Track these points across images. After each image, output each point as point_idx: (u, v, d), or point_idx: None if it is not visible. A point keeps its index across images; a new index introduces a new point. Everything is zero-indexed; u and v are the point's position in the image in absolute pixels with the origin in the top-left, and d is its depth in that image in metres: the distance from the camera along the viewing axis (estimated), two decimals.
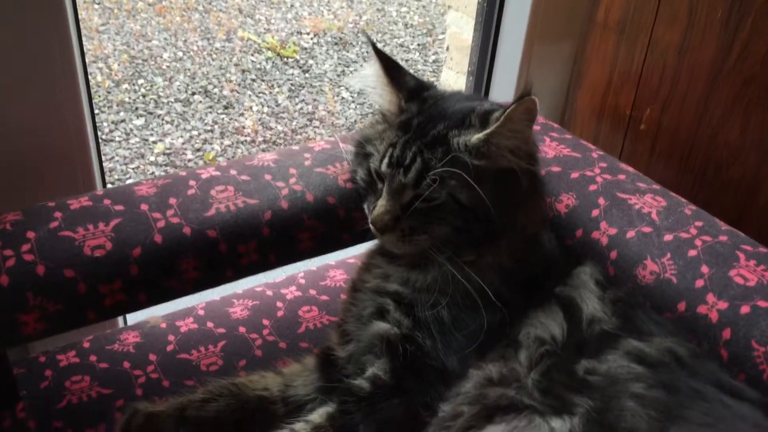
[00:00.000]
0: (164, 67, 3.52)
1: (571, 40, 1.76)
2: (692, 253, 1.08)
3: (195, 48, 3.67)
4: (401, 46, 3.97)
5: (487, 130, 1.00)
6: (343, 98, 3.52)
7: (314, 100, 3.47)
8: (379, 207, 1.04)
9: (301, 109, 3.41)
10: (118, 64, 3.47)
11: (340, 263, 1.47)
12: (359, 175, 1.13)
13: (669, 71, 1.53)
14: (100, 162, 1.41)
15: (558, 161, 1.30)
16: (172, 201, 1.11)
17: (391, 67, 1.13)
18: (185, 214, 1.09)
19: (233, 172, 1.18)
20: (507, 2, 1.75)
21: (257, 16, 4.05)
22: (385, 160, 1.05)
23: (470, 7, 2.34)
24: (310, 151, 1.26)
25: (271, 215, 1.13)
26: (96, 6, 3.83)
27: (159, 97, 3.33)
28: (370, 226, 1.06)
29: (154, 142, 3.08)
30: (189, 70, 3.52)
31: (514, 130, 1.00)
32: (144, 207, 1.09)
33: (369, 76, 1.14)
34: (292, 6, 4.15)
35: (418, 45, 3.99)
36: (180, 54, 3.62)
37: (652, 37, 1.55)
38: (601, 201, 1.20)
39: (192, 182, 1.15)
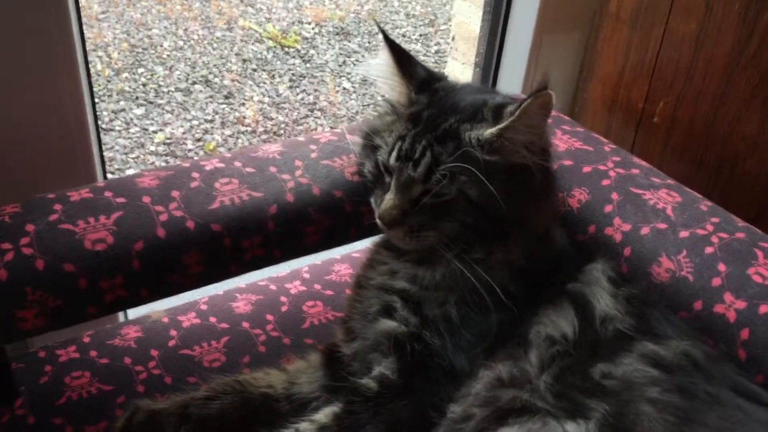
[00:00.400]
0: (164, 56, 3.49)
1: (581, 31, 1.73)
2: (709, 250, 1.06)
3: (195, 37, 3.64)
4: (403, 36, 3.93)
5: (501, 125, 0.96)
6: (344, 89, 3.49)
7: (315, 90, 3.44)
8: (386, 201, 1.01)
9: (302, 99, 3.38)
10: (118, 53, 3.44)
11: (345, 257, 1.44)
12: (367, 168, 1.10)
13: (684, 64, 1.50)
14: (101, 152, 1.38)
15: (570, 155, 1.27)
16: (175, 194, 1.08)
17: (401, 57, 1.09)
18: (189, 208, 1.06)
19: (238, 163, 1.15)
20: None
21: (258, 5, 4.02)
22: (394, 153, 1.02)
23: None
24: (316, 143, 1.23)
25: (277, 209, 1.10)
26: None
27: (159, 86, 3.30)
28: (377, 220, 1.04)
29: (155, 132, 3.05)
30: (189, 59, 3.49)
31: (529, 125, 0.96)
32: (146, 199, 1.06)
33: (378, 65, 1.11)
34: None
35: (420, 35, 3.95)
36: (180, 43, 3.59)
37: (667, 28, 1.52)
38: (615, 196, 1.17)
39: (195, 174, 1.12)
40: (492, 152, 0.98)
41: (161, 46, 3.54)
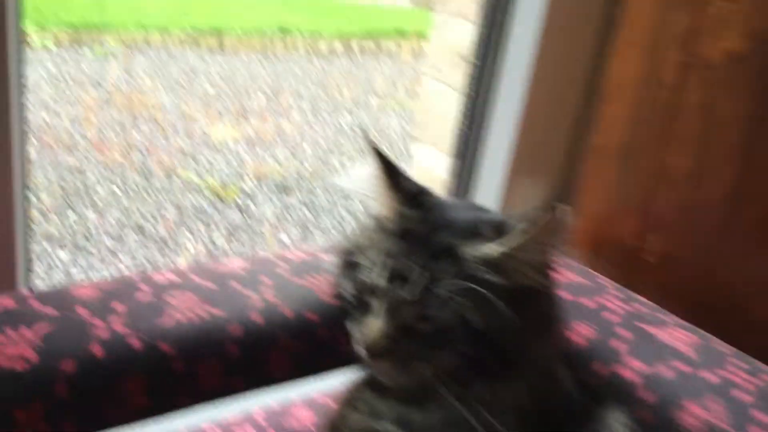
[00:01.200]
0: (97, 201, 3.36)
1: (559, 169, 1.68)
2: (739, 394, 0.93)
3: (133, 186, 3.56)
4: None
5: (512, 243, 0.84)
6: (282, 243, 3.40)
7: (253, 243, 3.34)
8: (372, 327, 0.85)
9: (240, 251, 3.26)
10: (48, 195, 3.30)
11: (306, 401, 1.24)
12: (346, 289, 0.95)
13: (677, 200, 1.43)
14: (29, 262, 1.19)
15: (567, 287, 1.15)
16: (118, 306, 0.89)
17: (390, 168, 0.98)
18: (134, 323, 0.87)
19: (195, 277, 0.98)
20: (486, 135, 1.67)
21: (199, 157, 4.02)
22: (382, 272, 0.87)
23: (440, 144, 2.27)
24: (286, 261, 1.08)
25: (240, 330, 0.93)
26: (33, 141, 3.72)
27: (89, 231, 3.15)
28: (361, 350, 0.87)
29: (80, 279, 2.84)
30: (124, 205, 3.37)
31: (543, 243, 0.84)
32: (82, 311, 0.87)
33: (365, 177, 0.99)
34: (237, 153, 4.15)
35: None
36: (115, 189, 3.48)
37: (659, 163, 1.46)
38: (624, 333, 1.05)
39: (144, 286, 0.94)
40: (497, 272, 0.84)
41: (94, 190, 3.43)
